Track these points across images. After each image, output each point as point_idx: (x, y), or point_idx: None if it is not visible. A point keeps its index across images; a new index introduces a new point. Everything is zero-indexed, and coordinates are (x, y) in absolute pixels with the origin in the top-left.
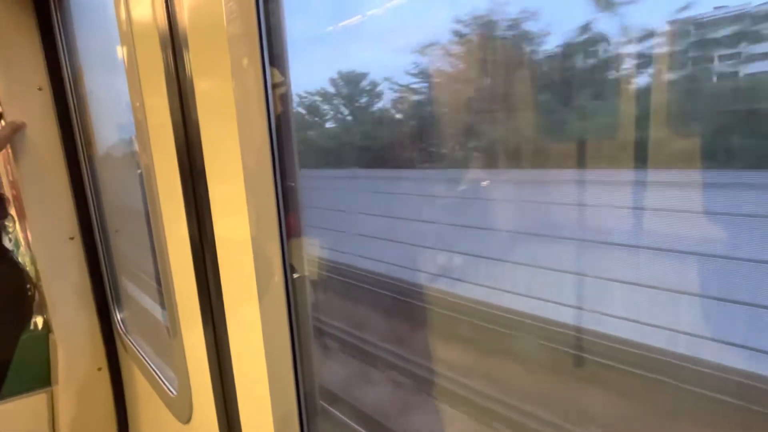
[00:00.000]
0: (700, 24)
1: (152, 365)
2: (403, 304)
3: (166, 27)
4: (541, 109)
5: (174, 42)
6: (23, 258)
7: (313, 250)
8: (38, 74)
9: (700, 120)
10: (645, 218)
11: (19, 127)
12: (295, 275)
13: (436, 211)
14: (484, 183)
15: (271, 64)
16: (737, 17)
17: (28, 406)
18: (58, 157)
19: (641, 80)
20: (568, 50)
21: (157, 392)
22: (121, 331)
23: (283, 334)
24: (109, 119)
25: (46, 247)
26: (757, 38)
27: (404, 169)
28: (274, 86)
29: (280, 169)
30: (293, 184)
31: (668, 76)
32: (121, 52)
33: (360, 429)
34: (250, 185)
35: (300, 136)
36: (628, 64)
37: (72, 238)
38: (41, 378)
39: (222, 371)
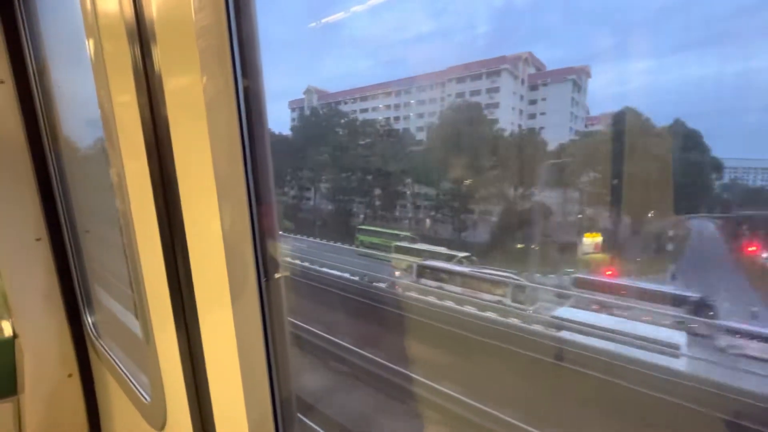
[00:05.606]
0: None
1: (125, 371)
2: None
3: (133, 18)
4: None
5: (141, 35)
6: None
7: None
8: (0, 66)
9: None
10: None
11: None
12: (275, 276)
13: None
14: None
15: (242, 60)
16: None
17: None
18: (23, 154)
19: None
20: None
21: (131, 398)
22: (92, 336)
23: (257, 338)
24: (77, 114)
25: (10, 248)
26: None
27: None
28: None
29: (252, 170)
30: (267, 185)
31: None
32: (86, 45)
33: None
34: (221, 186)
35: None
36: None
37: (39, 240)
38: (7, 386)
39: (196, 376)
